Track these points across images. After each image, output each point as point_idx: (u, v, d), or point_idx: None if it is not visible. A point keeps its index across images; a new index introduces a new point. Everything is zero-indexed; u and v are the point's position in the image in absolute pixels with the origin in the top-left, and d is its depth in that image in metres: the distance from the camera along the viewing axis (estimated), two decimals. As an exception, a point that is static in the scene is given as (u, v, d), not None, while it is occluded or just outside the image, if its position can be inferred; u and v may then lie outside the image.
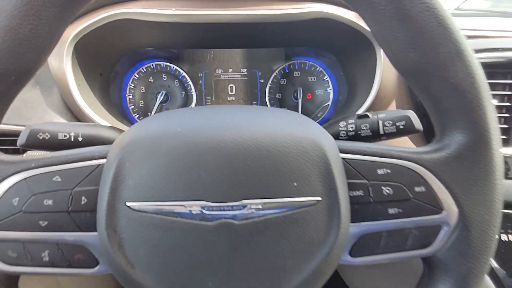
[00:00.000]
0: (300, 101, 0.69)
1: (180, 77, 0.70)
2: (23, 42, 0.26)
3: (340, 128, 0.42)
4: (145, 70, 0.69)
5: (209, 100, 0.72)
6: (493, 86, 0.53)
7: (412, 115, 0.46)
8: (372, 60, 0.54)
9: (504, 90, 0.53)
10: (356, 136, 0.42)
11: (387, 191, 0.31)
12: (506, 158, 0.52)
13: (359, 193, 0.31)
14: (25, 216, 0.29)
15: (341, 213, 0.29)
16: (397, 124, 0.43)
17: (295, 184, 0.29)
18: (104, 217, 0.28)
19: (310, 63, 0.69)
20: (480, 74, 0.29)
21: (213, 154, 0.28)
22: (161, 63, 0.69)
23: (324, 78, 0.69)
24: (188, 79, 0.69)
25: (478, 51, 0.52)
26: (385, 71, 0.55)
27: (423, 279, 0.34)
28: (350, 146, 0.33)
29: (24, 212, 0.29)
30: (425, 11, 0.28)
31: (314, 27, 0.56)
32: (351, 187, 0.31)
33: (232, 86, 0.72)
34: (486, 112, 0.30)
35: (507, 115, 0.53)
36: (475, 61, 0.29)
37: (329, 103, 0.70)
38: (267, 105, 0.71)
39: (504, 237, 0.52)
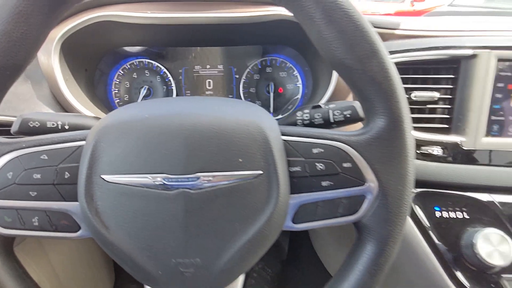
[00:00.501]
0: (271, 94, 0.75)
1: (161, 73, 0.75)
2: (16, 43, 0.32)
3: (297, 118, 0.49)
4: (129, 66, 0.75)
5: (189, 94, 0.78)
6: (437, 80, 0.60)
7: (357, 105, 0.53)
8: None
9: (447, 84, 0.59)
10: (310, 124, 0.48)
11: (320, 167, 0.37)
12: (446, 144, 0.59)
13: (297, 168, 0.38)
14: (18, 188, 0.35)
15: (279, 185, 0.36)
16: (345, 113, 0.49)
17: (240, 160, 0.35)
18: (83, 188, 0.34)
19: (281, 59, 0.75)
20: (392, 69, 0.36)
21: (173, 136, 0.34)
22: (143, 60, 0.75)
23: (294, 73, 0.76)
24: (169, 75, 0.75)
25: (426, 49, 0.59)
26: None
27: (355, 242, 0.40)
28: (291, 130, 0.39)
29: (17, 184, 0.35)
30: (345, 17, 0.34)
31: (278, 27, 0.62)
32: (290, 163, 0.38)
33: (210, 81, 0.77)
34: (399, 101, 0.36)
35: (448, 106, 0.59)
36: (388, 58, 0.36)
37: (299, 96, 0.76)
38: (241, 98, 0.77)
39: (445, 214, 0.59)
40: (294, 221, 0.39)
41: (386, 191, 0.37)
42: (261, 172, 0.35)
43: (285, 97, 0.77)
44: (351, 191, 0.38)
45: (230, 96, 0.78)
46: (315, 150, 0.38)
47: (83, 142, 0.36)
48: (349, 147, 0.38)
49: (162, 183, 0.34)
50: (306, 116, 0.48)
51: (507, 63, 0.57)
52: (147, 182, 0.34)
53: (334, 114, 0.49)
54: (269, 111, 0.77)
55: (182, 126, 0.35)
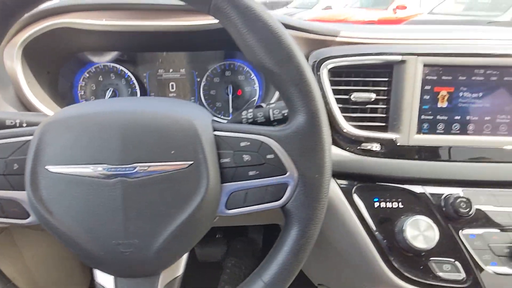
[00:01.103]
0: (230, 96, 0.80)
1: (126, 77, 0.79)
2: None
3: (242, 117, 0.54)
4: (94, 70, 0.79)
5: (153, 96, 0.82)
6: (376, 83, 0.66)
7: None
8: None
9: (383, 86, 0.65)
10: (254, 123, 0.53)
11: (247, 158, 0.43)
12: (383, 141, 0.65)
13: (226, 160, 0.43)
14: None
15: (209, 174, 0.40)
16: (283, 112, 0.54)
17: (172, 152, 0.40)
18: (29, 178, 0.38)
19: (239, 64, 0.80)
20: (308, 71, 0.41)
21: (113, 130, 0.39)
22: (108, 64, 0.79)
23: (251, 77, 0.81)
24: (133, 79, 0.79)
25: (362, 54, 0.64)
26: None
27: (284, 226, 0.45)
28: (222, 126, 0.44)
29: None
30: (263, 27, 0.39)
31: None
32: (221, 155, 0.43)
33: (173, 84, 0.82)
34: (315, 99, 0.42)
35: (385, 106, 0.65)
36: (304, 62, 0.41)
37: (256, 98, 0.81)
38: (202, 100, 0.82)
39: (383, 205, 0.65)
40: (227, 207, 0.44)
41: (305, 179, 0.43)
42: (191, 162, 0.40)
43: (244, 98, 0.82)
44: (275, 180, 0.43)
45: (192, 98, 0.83)
46: (242, 144, 0.43)
47: (31, 137, 0.40)
48: (272, 140, 0.43)
49: (102, 172, 0.38)
50: (250, 115, 0.53)
51: (432, 68, 0.63)
52: (88, 172, 0.38)
53: (273, 113, 0.54)
54: (228, 111, 0.82)
55: (121, 121, 0.39)
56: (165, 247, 0.40)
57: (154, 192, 0.39)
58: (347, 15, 6.56)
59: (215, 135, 0.43)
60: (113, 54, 0.78)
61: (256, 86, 0.81)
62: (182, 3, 0.42)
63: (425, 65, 0.63)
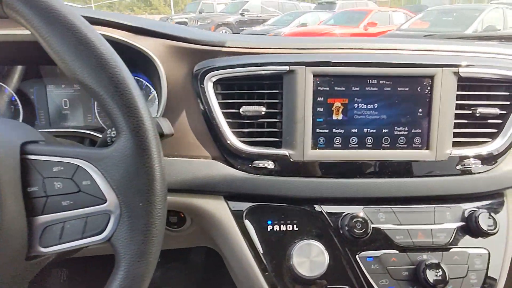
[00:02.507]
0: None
1: (6, 92, 0.72)
2: None
3: (107, 135, 0.48)
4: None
5: (42, 114, 0.74)
6: (268, 96, 0.61)
7: (162, 120, 0.52)
8: (157, 72, 0.61)
9: (274, 98, 0.60)
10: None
11: (58, 185, 0.36)
12: (277, 157, 0.59)
13: (34, 188, 0.36)
14: None
15: (4, 205, 0.33)
16: None
17: None
18: None
19: (136, 78, 0.74)
20: (128, 82, 0.35)
21: None
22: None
23: (151, 91, 0.75)
24: (14, 95, 0.72)
25: (248, 65, 0.58)
26: (172, 79, 0.61)
27: (115, 264, 0.39)
28: (39, 148, 0.37)
29: None
30: (69, 36, 0.34)
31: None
32: (28, 183, 0.36)
33: (66, 101, 0.75)
34: (138, 115, 0.36)
35: (276, 120, 0.60)
36: (123, 71, 0.36)
37: (158, 115, 0.75)
38: (97, 118, 0.75)
39: (277, 228, 0.59)
40: (42, 244, 0.37)
41: (129, 209, 0.36)
42: None
43: (144, 115, 0.75)
44: (94, 210, 0.36)
45: (89, 115, 0.76)
46: (55, 169, 0.36)
47: None
48: (90, 164, 0.36)
49: None
50: (114, 133, 0.47)
51: (323, 78, 0.59)
52: None
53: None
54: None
55: None
56: None
57: None
58: (322, 31, 6.72)
59: (24, 158, 0.36)
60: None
61: (157, 102, 0.75)
62: None
63: (315, 75, 0.59)
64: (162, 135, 0.51)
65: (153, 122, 0.37)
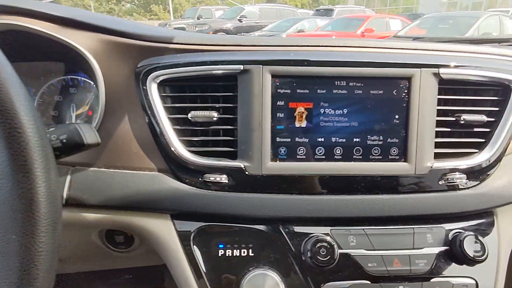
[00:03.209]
0: (74, 117, 0.66)
1: None
2: None
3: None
4: None
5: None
6: (222, 99, 0.53)
7: (84, 128, 0.44)
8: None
9: (228, 102, 0.53)
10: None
11: None
12: (231, 170, 0.51)
13: None
14: None
15: None
16: (61, 138, 0.40)
17: None
18: None
19: (83, 79, 0.66)
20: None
21: None
22: None
23: (91, 94, 0.67)
24: None
25: (196, 63, 0.50)
26: (112, 80, 0.54)
27: None
28: None
29: None
30: None
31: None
32: None
33: None
34: (19, 122, 0.28)
35: (231, 127, 0.52)
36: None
37: None
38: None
39: (229, 252, 0.51)
40: None
41: (1, 245, 0.28)
42: None
43: (95, 120, 0.67)
44: None
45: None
46: None
47: None
48: None
49: None
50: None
51: (284, 79, 0.51)
52: None
53: (51, 140, 0.40)
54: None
55: None
56: None
57: None
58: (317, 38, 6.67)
59: None
60: None
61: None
62: None
63: (273, 76, 0.51)
64: (82, 145, 0.43)
65: (37, 130, 0.30)
